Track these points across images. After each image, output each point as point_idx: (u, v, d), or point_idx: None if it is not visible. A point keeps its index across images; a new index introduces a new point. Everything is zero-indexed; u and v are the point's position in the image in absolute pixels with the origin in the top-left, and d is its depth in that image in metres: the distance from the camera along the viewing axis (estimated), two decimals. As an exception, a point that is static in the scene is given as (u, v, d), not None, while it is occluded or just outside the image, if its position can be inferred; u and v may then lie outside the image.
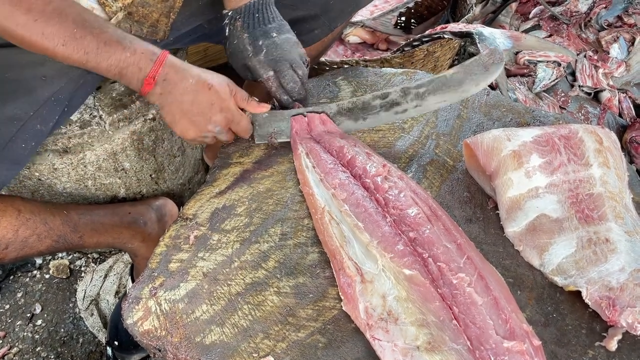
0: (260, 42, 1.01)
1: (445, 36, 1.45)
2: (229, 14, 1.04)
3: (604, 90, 1.72)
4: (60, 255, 1.49)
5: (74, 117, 1.14)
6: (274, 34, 1.02)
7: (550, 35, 1.86)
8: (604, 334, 0.78)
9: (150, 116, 1.24)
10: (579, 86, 1.73)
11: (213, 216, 0.94)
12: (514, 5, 2.03)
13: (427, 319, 0.73)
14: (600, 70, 1.74)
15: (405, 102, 0.99)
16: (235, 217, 0.93)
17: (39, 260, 1.48)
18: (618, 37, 1.79)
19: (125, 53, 0.89)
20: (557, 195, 0.88)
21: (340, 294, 0.80)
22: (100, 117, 1.16)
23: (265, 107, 1.02)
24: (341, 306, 0.80)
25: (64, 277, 1.45)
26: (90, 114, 1.15)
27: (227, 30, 1.05)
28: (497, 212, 0.92)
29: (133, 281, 1.27)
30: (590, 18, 1.86)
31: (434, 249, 0.78)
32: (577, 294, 0.80)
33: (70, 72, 0.98)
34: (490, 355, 0.69)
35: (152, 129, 1.26)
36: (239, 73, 1.08)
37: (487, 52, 0.97)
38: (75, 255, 1.49)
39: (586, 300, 0.79)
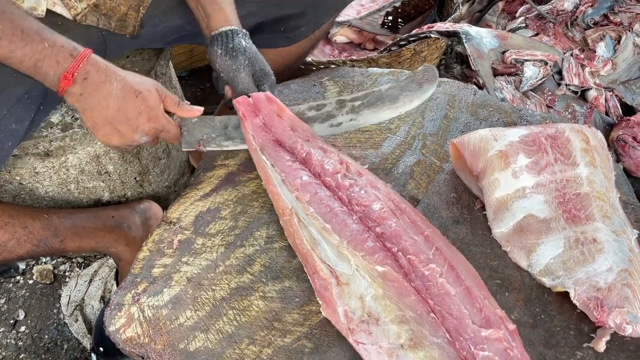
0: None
1: (432, 35, 1.44)
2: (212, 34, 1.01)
3: (591, 88, 1.72)
4: (43, 260, 1.47)
5: (55, 120, 1.12)
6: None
7: (536, 34, 1.86)
8: (592, 335, 0.78)
9: (134, 118, 1.22)
10: (566, 85, 1.73)
11: (197, 220, 0.92)
12: (500, 4, 2.03)
13: (405, 315, 0.72)
14: (587, 69, 1.74)
15: (341, 114, 0.97)
16: (220, 221, 0.92)
17: (22, 266, 1.46)
18: (604, 36, 1.79)
19: (43, 44, 0.82)
20: (544, 195, 0.87)
21: (318, 298, 0.79)
22: (77, 119, 1.14)
23: (198, 111, 0.97)
24: (328, 310, 0.79)
25: (48, 282, 1.43)
26: (72, 116, 1.13)
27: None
28: (485, 212, 0.91)
29: (118, 286, 1.25)
30: (577, 17, 1.86)
31: (402, 242, 0.78)
32: (565, 294, 0.80)
33: None
34: (469, 345, 0.70)
35: (136, 131, 1.24)
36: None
37: (422, 69, 0.98)
38: (59, 260, 1.46)
39: (574, 301, 0.78)
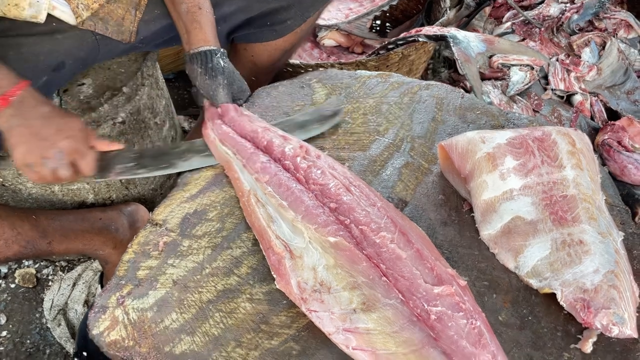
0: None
1: (420, 39, 1.45)
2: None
3: (576, 93, 1.74)
4: (26, 263, 1.44)
5: None
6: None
7: (523, 39, 1.88)
8: (579, 336, 0.78)
9: (120, 119, 1.21)
10: (552, 89, 1.74)
11: (183, 221, 0.91)
12: (487, 9, 2.05)
13: (357, 280, 0.75)
14: (572, 74, 1.76)
15: None
16: (206, 222, 0.91)
17: (4, 269, 1.43)
18: (589, 42, 1.81)
19: None
20: (531, 197, 0.87)
21: (272, 272, 0.81)
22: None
23: (117, 146, 1.00)
24: (315, 312, 0.78)
25: (31, 286, 1.40)
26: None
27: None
28: (472, 214, 0.91)
29: (103, 288, 1.23)
30: (562, 22, 1.88)
31: (355, 214, 0.81)
32: (552, 296, 0.80)
33: (31, 68, 0.96)
34: (423, 302, 0.73)
35: (122, 133, 1.23)
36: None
37: (329, 101, 1.07)
38: (42, 263, 1.44)
39: (561, 303, 0.79)
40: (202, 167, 1.00)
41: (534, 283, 0.82)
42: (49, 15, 1.02)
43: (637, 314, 0.78)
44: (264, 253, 0.84)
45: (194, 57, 1.04)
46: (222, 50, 1.06)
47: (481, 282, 0.83)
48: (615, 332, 0.75)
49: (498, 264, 0.86)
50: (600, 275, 0.79)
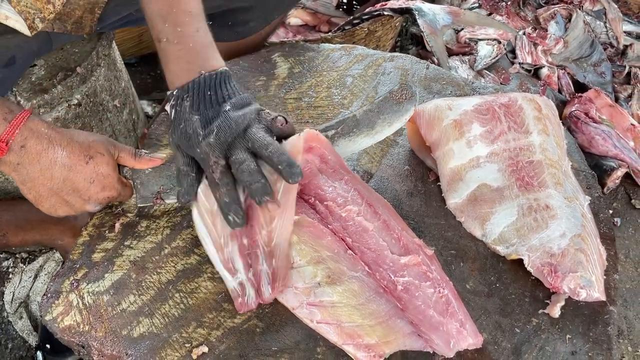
0: (213, 124, 0.74)
1: (385, 13, 1.42)
2: (175, 93, 0.78)
3: (544, 67, 1.74)
4: (-16, 256, 1.39)
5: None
6: (228, 108, 0.75)
7: (490, 14, 1.87)
8: (547, 301, 0.77)
9: (75, 101, 1.16)
10: (519, 63, 1.74)
11: (141, 201, 0.87)
12: (454, -15, 2.03)
13: (322, 255, 0.73)
14: (539, 47, 1.75)
15: None
16: (165, 202, 0.87)
17: (-39, 263, 1.37)
18: (555, 14, 1.81)
19: None
20: (497, 164, 0.86)
21: None
22: (18, 103, 1.07)
23: (160, 160, 0.82)
24: (280, 288, 0.76)
25: (-10, 279, 1.35)
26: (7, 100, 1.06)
27: (172, 113, 0.77)
28: (439, 184, 0.89)
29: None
30: (528, -4, 1.88)
31: (319, 191, 0.78)
32: (520, 262, 0.79)
33: None
34: (389, 273, 0.73)
35: (78, 116, 1.18)
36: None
37: (399, 88, 0.86)
38: (1, 255, 1.38)
39: (528, 268, 0.78)
40: (162, 145, 0.96)
41: (501, 250, 0.81)
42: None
43: (605, 277, 0.78)
44: None
45: (184, 90, 0.77)
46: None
47: (448, 251, 0.82)
48: (583, 295, 0.74)
49: (465, 232, 0.84)
50: (567, 240, 0.78)
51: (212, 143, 0.72)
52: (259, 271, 0.72)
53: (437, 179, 0.90)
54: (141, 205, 0.83)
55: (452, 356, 0.69)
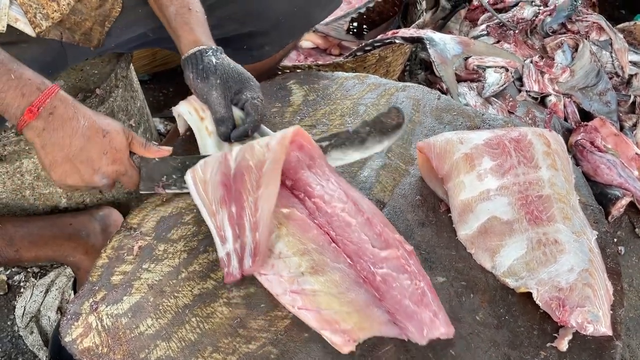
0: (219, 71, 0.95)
1: (397, 41, 1.45)
2: (187, 55, 0.97)
3: (550, 95, 1.77)
4: (-3, 270, 1.40)
5: (9, 123, 1.07)
6: (232, 65, 0.98)
7: (498, 42, 1.90)
8: (555, 335, 0.78)
9: (93, 122, 1.18)
10: (526, 91, 1.77)
11: (159, 225, 0.89)
12: (462, 12, 2.07)
13: (307, 247, 0.78)
14: (546, 76, 1.78)
15: None
16: (182, 226, 0.89)
17: (-27, 276, 1.39)
18: (562, 44, 1.84)
19: (9, 75, 0.79)
20: (507, 197, 0.88)
21: None
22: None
23: (167, 151, 0.92)
24: (294, 315, 0.78)
25: (2, 293, 1.36)
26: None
27: (191, 70, 0.96)
28: (450, 215, 0.91)
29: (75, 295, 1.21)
30: (536, 25, 1.91)
31: (308, 188, 0.84)
32: (529, 295, 0.81)
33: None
34: (369, 265, 0.78)
35: (96, 135, 1.20)
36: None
37: (389, 109, 0.95)
38: (13, 269, 1.40)
39: (537, 302, 0.79)
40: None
41: (510, 282, 0.83)
42: (10, 26, 0.99)
43: (611, 312, 0.79)
44: None
45: (186, 62, 0.96)
46: (213, 47, 0.98)
47: (459, 282, 0.84)
48: (590, 330, 0.76)
49: (475, 264, 0.86)
50: (575, 274, 0.80)
51: (218, 84, 0.94)
52: (244, 243, 0.77)
53: (448, 210, 0.92)
54: (143, 192, 0.91)
55: (424, 343, 0.73)
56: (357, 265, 0.78)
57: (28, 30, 0.98)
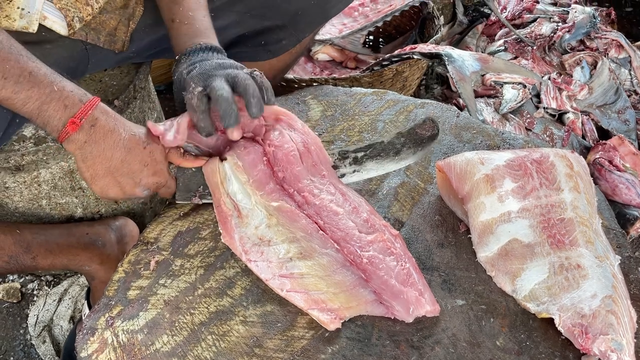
0: (198, 64, 0.88)
1: (415, 56, 1.45)
2: (176, 58, 0.93)
3: (568, 112, 1.75)
4: (11, 277, 1.41)
5: (27, 133, 1.08)
6: (217, 57, 0.91)
7: (515, 57, 1.89)
8: (578, 363, 0.77)
9: (111, 133, 1.19)
10: (544, 108, 1.75)
11: (176, 240, 0.89)
12: (480, 26, 2.06)
13: (296, 235, 0.82)
14: (564, 93, 1.77)
15: (344, 165, 0.95)
16: (199, 241, 0.89)
17: (-13, 283, 1.40)
18: (581, 61, 1.83)
19: (52, 87, 0.79)
20: (529, 220, 0.87)
21: (219, 228, 0.85)
22: (57, 133, 1.10)
23: (204, 160, 0.90)
24: (311, 336, 0.77)
25: (15, 301, 1.37)
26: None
27: (174, 74, 0.92)
28: (469, 236, 0.90)
29: (89, 306, 1.20)
30: (554, 41, 1.89)
31: (299, 184, 0.87)
32: (550, 320, 0.79)
33: None
34: (356, 249, 0.81)
35: (113, 146, 1.21)
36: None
37: (424, 120, 0.96)
38: (27, 277, 1.41)
39: (559, 328, 0.78)
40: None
41: (531, 307, 0.81)
42: (39, 24, 1.00)
43: (635, 340, 0.77)
44: (214, 208, 0.87)
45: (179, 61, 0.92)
46: (211, 44, 0.93)
47: (478, 305, 0.82)
48: (613, 358, 0.74)
49: (495, 287, 0.85)
50: (598, 301, 0.78)
51: (194, 75, 0.86)
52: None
53: (468, 231, 0.91)
54: (180, 202, 0.92)
55: (410, 321, 0.77)
56: (344, 249, 0.82)
57: (60, 28, 0.99)
